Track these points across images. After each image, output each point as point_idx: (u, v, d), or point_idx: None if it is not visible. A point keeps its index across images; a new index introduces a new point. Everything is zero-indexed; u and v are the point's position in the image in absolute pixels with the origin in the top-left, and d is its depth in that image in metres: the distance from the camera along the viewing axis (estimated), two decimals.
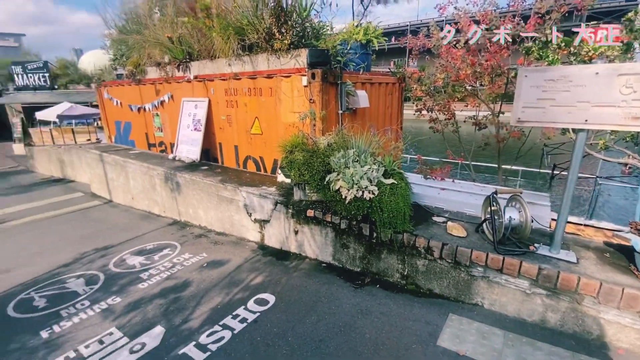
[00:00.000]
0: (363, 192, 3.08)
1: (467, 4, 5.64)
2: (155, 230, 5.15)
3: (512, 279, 2.69)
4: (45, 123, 14.48)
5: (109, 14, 7.84)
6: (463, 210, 3.70)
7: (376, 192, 3.08)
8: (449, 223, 3.29)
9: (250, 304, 3.00)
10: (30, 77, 17.26)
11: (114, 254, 4.32)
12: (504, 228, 2.76)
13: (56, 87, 17.96)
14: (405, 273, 3.27)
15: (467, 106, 6.32)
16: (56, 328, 2.88)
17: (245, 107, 5.36)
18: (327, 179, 3.40)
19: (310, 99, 4.47)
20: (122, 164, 6.38)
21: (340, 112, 4.46)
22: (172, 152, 6.70)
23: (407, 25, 33.23)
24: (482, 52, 5.25)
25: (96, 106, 14.51)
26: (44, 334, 2.82)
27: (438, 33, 5.60)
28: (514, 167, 7.61)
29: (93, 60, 19.64)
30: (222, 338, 2.58)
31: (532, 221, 2.75)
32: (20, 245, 4.89)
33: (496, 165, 6.38)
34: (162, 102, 6.78)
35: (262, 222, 4.24)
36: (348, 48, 4.76)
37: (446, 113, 6.19)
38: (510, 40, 4.79)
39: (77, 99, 15.05)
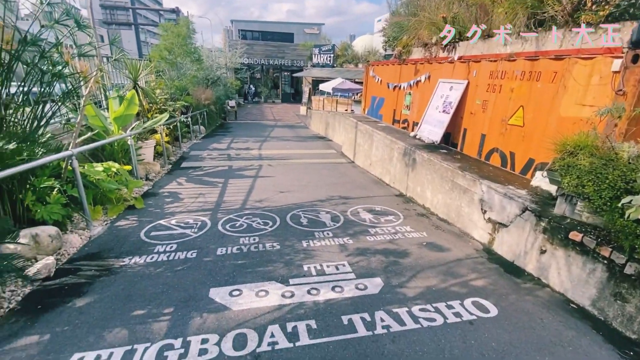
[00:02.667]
0: None
1: None
2: (383, 197, 5.71)
3: None
4: (322, 93, 18.92)
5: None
6: None
7: None
8: None
9: (467, 303, 2.79)
10: (322, 57, 22.85)
11: (351, 205, 5.18)
12: None
13: (334, 65, 22.83)
14: None
15: None
16: (311, 243, 3.85)
17: (510, 92, 4.69)
18: (623, 200, 2.46)
19: (619, 90, 3.30)
20: (371, 133, 7.36)
21: None
22: (413, 130, 7.04)
23: None
24: None
25: (358, 83, 17.41)
26: (304, 243, 3.84)
27: None
28: None
29: (362, 44, 23.28)
30: (434, 320, 2.57)
31: None
32: (295, 177, 6.81)
33: None
34: (417, 82, 7.11)
35: (497, 225, 3.74)
36: None
37: None
38: None
39: (346, 76, 18.57)
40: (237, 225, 4.30)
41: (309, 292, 2.88)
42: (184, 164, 7.77)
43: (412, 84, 7.29)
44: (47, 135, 4.48)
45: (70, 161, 3.84)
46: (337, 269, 3.28)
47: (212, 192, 5.68)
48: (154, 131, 7.79)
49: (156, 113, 8.76)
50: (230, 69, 23.54)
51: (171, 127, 9.29)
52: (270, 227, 4.27)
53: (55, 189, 3.87)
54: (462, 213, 4.34)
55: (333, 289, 2.93)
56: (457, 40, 6.04)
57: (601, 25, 3.58)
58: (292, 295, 2.82)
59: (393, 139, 6.40)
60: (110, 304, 2.67)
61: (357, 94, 16.70)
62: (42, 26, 3.48)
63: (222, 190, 5.82)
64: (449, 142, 6.05)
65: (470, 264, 3.47)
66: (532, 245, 3.27)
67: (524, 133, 4.46)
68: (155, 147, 7.69)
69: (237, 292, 2.85)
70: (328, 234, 4.11)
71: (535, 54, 4.31)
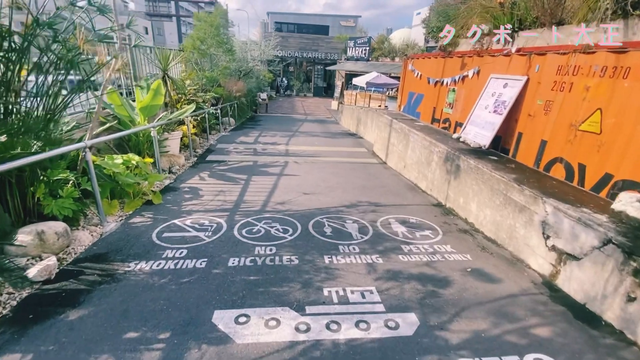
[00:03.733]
0: None
1: None
2: (418, 206, 5.09)
3: None
4: (355, 87, 18.22)
5: None
6: None
7: None
8: None
9: None
10: (357, 50, 22.03)
11: (382, 214, 4.62)
12: None
13: (369, 59, 21.95)
14: None
15: None
16: (334, 259, 3.37)
17: (584, 92, 3.88)
18: None
19: None
20: (407, 133, 6.70)
21: None
22: (455, 131, 6.30)
23: None
24: None
25: (394, 77, 16.50)
26: (326, 259, 3.36)
27: None
28: None
29: (400, 37, 22.19)
30: None
31: None
32: (322, 177, 6.34)
33: None
34: (463, 78, 6.33)
35: (564, 256, 3.03)
36: None
37: None
38: None
39: (381, 70, 17.70)
40: (254, 230, 3.91)
41: (327, 326, 2.40)
42: (209, 157, 7.57)
43: (457, 80, 6.51)
44: (72, 124, 4.35)
45: (84, 153, 3.63)
46: (363, 296, 2.77)
47: (233, 189, 5.36)
48: (181, 122, 7.64)
49: (185, 104, 8.64)
50: (264, 61, 23.40)
51: (199, 118, 9.15)
52: (290, 235, 3.84)
53: (70, 182, 3.69)
54: (516, 235, 3.65)
55: (357, 324, 2.44)
56: (515, 30, 5.23)
57: None
58: (308, 330, 2.36)
59: (433, 140, 5.71)
60: (104, 321, 2.36)
61: (392, 89, 15.86)
62: (58, 8, 3.24)
63: (243, 188, 5.48)
64: (499, 148, 5.28)
65: (528, 302, 2.82)
66: (615, 288, 2.57)
67: (601, 142, 3.66)
68: (181, 138, 7.54)
69: (244, 319, 2.44)
70: (354, 248, 3.60)
71: (624, 46, 3.48)
